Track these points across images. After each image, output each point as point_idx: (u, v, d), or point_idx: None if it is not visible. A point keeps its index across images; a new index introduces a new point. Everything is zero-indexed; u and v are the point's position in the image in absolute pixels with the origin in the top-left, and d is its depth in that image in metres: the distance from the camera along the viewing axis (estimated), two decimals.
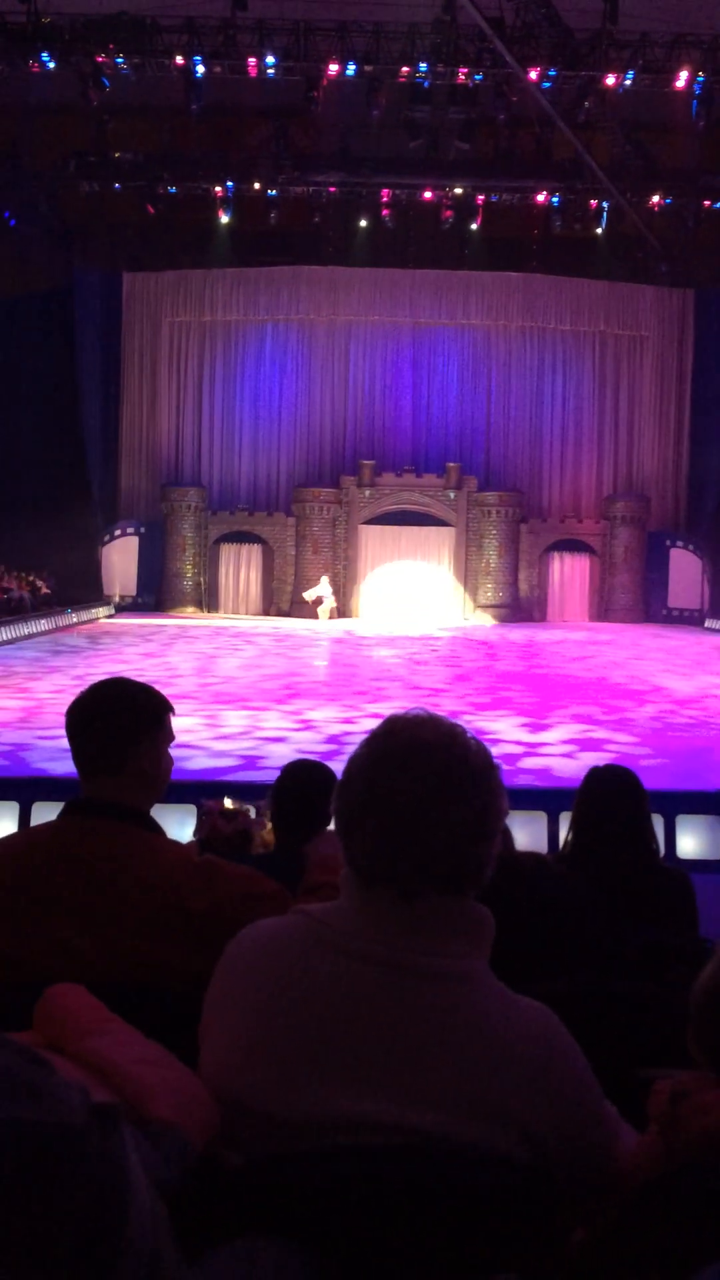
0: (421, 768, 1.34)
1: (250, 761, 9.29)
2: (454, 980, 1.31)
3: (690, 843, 5.81)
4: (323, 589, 27.11)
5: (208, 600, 28.56)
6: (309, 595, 27.15)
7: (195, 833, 3.58)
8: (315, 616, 26.67)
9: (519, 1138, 1.28)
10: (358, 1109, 1.25)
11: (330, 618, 26.50)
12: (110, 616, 26.83)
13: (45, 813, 5.77)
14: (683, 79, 21.31)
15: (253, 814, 3.51)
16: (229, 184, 25.79)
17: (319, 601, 26.93)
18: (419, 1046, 1.27)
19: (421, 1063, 1.27)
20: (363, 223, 27.30)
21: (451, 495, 28.40)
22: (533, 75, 20.97)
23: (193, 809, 4.81)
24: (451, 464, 28.58)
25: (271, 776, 3.30)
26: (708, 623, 26.95)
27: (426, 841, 1.32)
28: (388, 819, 1.33)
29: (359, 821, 1.35)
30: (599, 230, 26.92)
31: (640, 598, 28.71)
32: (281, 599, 28.60)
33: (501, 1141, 1.26)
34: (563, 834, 5.83)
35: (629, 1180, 1.33)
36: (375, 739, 1.40)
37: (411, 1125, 1.24)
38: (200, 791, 5.08)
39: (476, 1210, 1.20)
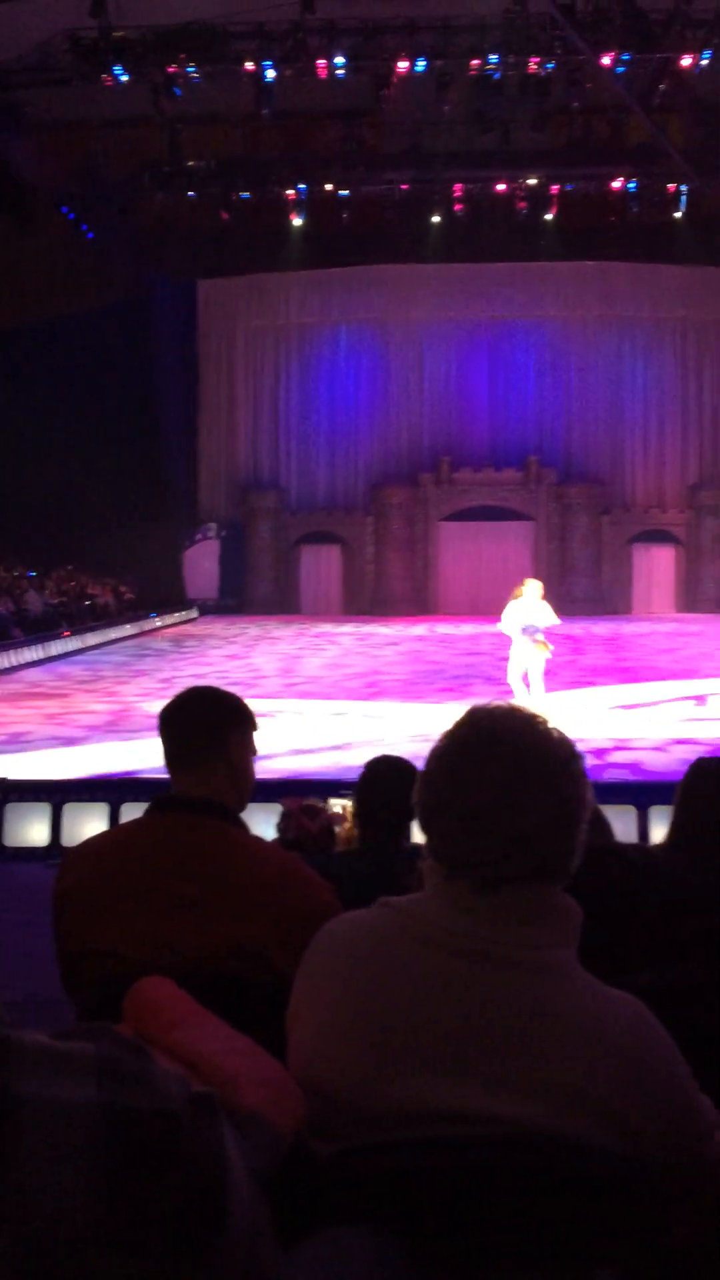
0: (502, 756, 1.34)
1: (336, 760, 9.32)
2: (541, 970, 1.30)
3: None
4: None
5: (288, 602, 28.74)
6: None
7: (281, 831, 3.62)
8: None
9: (613, 1130, 1.26)
10: (448, 1099, 1.25)
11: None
12: (193, 620, 27.18)
13: (134, 813, 5.86)
14: None
15: (337, 809, 3.53)
16: (301, 187, 25.93)
17: None
18: (508, 1036, 1.26)
19: (511, 1053, 1.26)
20: (435, 219, 27.21)
21: (530, 489, 28.15)
22: (606, 60, 20.68)
23: (277, 808, 4.86)
24: (530, 458, 28.34)
25: (357, 774, 3.31)
26: None
27: (509, 830, 1.31)
28: (470, 808, 1.33)
29: (441, 811, 1.36)
30: (678, 214, 26.44)
31: None
32: (362, 599, 28.65)
33: (595, 1133, 1.25)
34: (653, 828, 5.76)
35: None
36: (456, 729, 1.40)
37: (503, 1115, 1.23)
38: (285, 790, 5.13)
39: (572, 1202, 1.18)
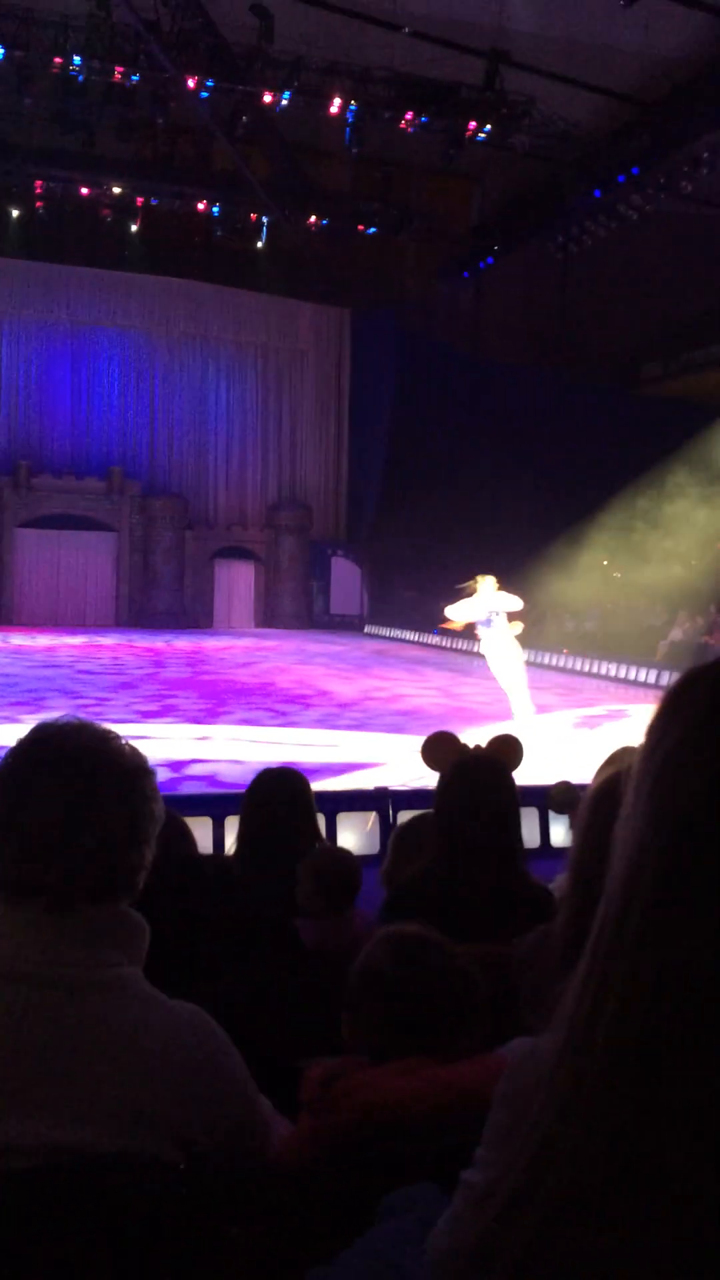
0: (70, 774, 1.31)
1: None
2: (104, 990, 1.28)
3: (351, 838, 6.06)
4: None
5: None
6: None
7: None
8: None
9: (171, 1143, 1.27)
10: (2, 1134, 1.20)
11: None
12: None
13: None
14: (336, 105, 22.07)
15: None
16: None
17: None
18: (68, 1062, 1.24)
19: (70, 1078, 1.23)
20: (15, 213, 26.19)
21: (113, 500, 27.88)
22: (190, 83, 21.00)
23: None
24: (114, 468, 28.05)
25: None
26: (367, 628, 28.15)
27: (76, 850, 1.29)
28: (35, 829, 1.29)
29: (5, 834, 1.30)
30: (259, 244, 27.40)
31: (304, 604, 29.52)
32: None
33: (153, 1148, 1.25)
34: (228, 836, 5.90)
35: (283, 1170, 1.36)
36: (21, 747, 1.35)
37: (58, 1143, 1.20)
38: None
39: (125, 1222, 1.17)
